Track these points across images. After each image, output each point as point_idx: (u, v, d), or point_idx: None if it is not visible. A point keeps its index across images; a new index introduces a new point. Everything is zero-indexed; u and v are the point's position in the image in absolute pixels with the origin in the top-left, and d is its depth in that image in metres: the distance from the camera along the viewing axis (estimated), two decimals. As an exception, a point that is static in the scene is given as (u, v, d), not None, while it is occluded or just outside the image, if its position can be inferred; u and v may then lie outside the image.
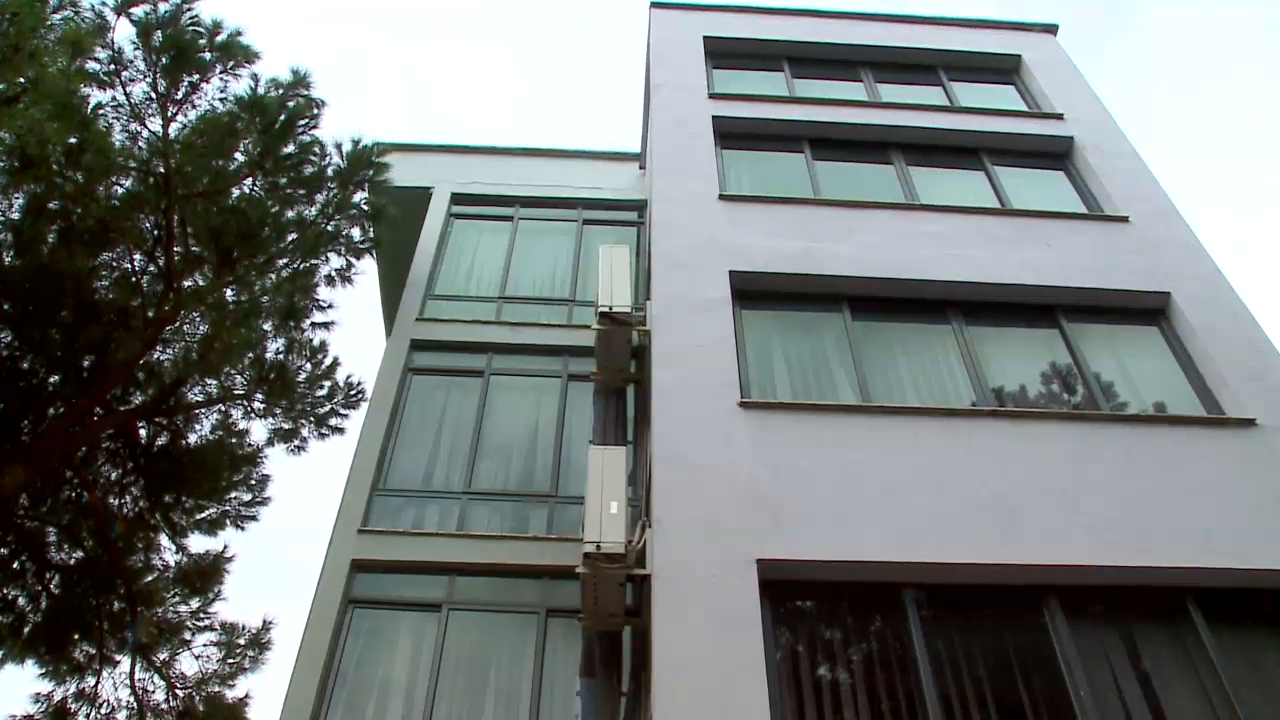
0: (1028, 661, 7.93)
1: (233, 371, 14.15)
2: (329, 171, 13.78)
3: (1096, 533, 8.43)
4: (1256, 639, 8.18)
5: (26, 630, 14.01)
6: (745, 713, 7.11)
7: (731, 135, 13.63)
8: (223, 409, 14.58)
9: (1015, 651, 8.02)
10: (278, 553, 45.75)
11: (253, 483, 14.91)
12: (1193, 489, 8.87)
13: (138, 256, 13.41)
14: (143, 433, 14.39)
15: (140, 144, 12.57)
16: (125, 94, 12.43)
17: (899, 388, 10.09)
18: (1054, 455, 9.12)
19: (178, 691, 14.28)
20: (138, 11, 12.32)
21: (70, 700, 14.31)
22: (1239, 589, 8.32)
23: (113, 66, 12.29)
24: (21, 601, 14.09)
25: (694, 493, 8.55)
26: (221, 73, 12.85)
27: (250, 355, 13.90)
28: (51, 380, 13.52)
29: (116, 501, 14.48)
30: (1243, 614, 8.26)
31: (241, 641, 14.39)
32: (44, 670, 14.20)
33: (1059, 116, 14.27)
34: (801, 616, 8.25)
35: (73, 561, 14.31)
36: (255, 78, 13.03)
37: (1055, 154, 13.82)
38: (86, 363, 13.35)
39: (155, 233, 13.03)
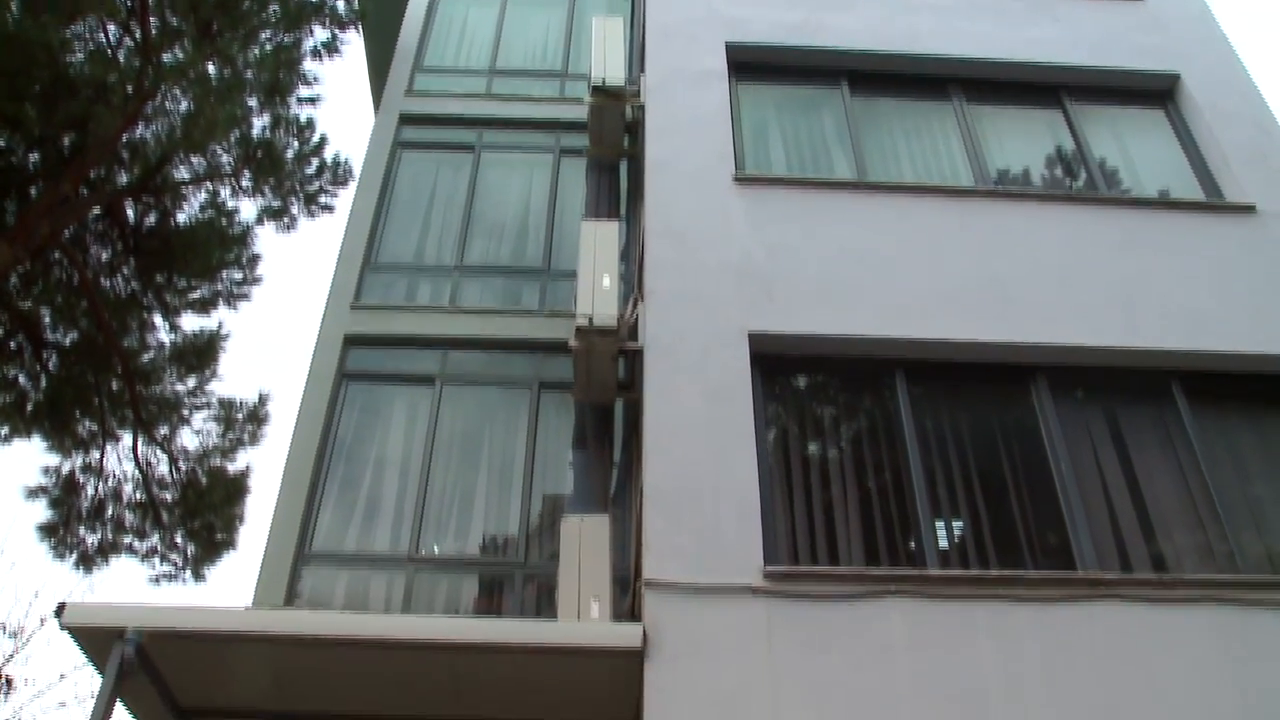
0: (1012, 439, 8.09)
1: (219, 149, 13.83)
2: (311, -62, 13.14)
3: (1088, 314, 8.46)
4: (1234, 421, 8.34)
5: (29, 408, 14.22)
6: (734, 480, 7.28)
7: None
8: (210, 188, 14.33)
9: (1000, 429, 8.18)
10: (272, 332, 46.04)
11: (244, 262, 14.83)
12: (1187, 274, 8.84)
13: (112, 28, 12.89)
14: (130, 213, 14.20)
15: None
16: None
17: (896, 166, 9.90)
18: (1050, 237, 9.04)
19: (180, 465, 14.65)
20: None
21: (78, 473, 14.70)
22: (1223, 373, 8.43)
23: None
24: (22, 381, 14.24)
25: (687, 266, 8.50)
26: None
27: (236, 132, 13.56)
28: (31, 159, 13.22)
29: (108, 282, 14.42)
30: (1224, 396, 8.39)
31: (239, 417, 14.66)
32: (50, 445, 14.52)
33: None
34: (792, 391, 8.37)
35: (68, 342, 14.39)
36: None
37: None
38: (66, 141, 13.01)
39: (129, 2, 12.48)
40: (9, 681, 10.28)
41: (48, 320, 14.24)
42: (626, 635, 6.55)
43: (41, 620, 16.86)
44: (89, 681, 17.04)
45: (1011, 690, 6.53)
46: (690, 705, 6.32)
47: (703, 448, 7.41)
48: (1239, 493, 7.86)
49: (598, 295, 8.56)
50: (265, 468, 39.08)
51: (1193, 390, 8.31)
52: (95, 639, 6.70)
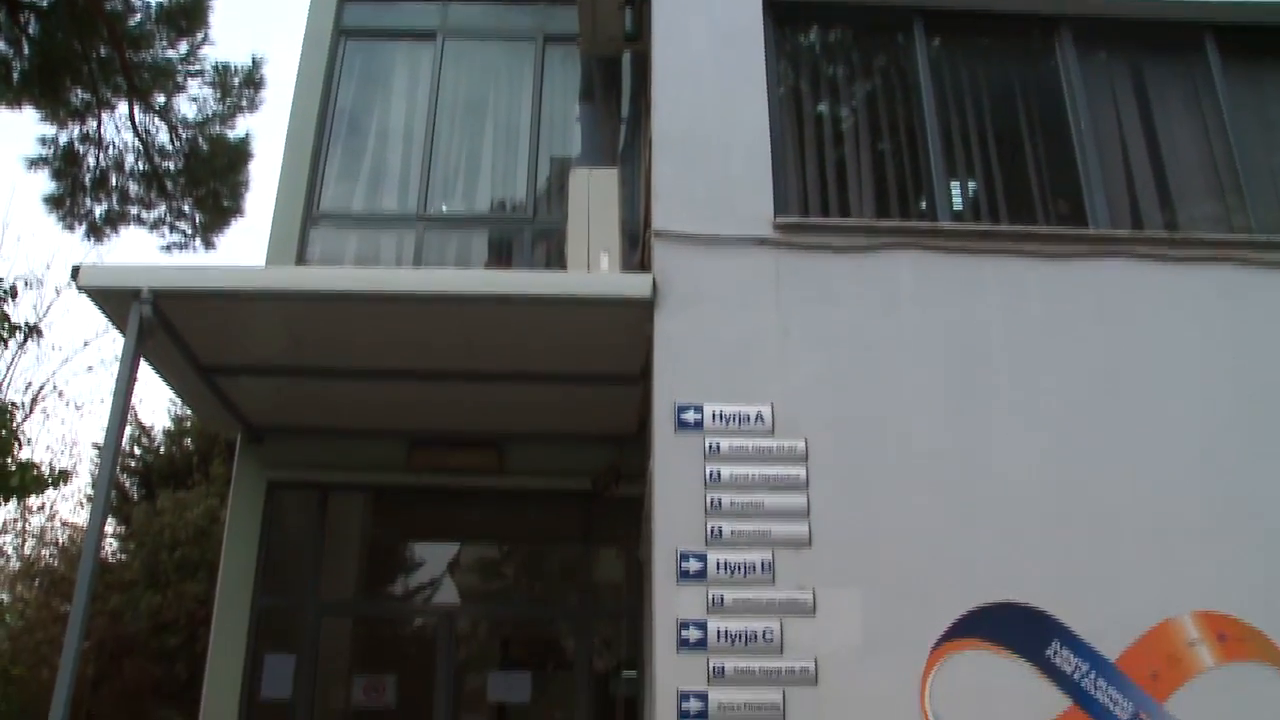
0: (1032, 94, 7.77)
1: None
2: None
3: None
4: (1268, 82, 7.93)
5: (15, 76, 13.76)
6: (744, 129, 7.07)
7: None
8: None
9: (1020, 84, 7.84)
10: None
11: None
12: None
13: None
14: None
15: None
16: None
17: None
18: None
19: (180, 133, 14.35)
20: None
21: (77, 143, 14.44)
22: (1265, 25, 7.93)
23: None
24: (2, 47, 13.71)
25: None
26: None
27: None
28: None
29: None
30: (1261, 53, 7.93)
31: (235, 82, 14.15)
32: (44, 115, 14.17)
33: None
34: (805, 41, 7.96)
35: (45, 3, 13.70)
36: None
37: None
38: None
39: None
40: (38, 330, 10.55)
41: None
42: (636, 285, 6.57)
43: (57, 290, 17.18)
44: (113, 346, 17.56)
45: (1014, 344, 6.62)
46: (698, 354, 6.44)
47: (713, 95, 7.14)
48: (1264, 158, 7.62)
49: (602, -64, 8.01)
50: (268, 134, 38.49)
51: (1227, 46, 7.87)
52: (113, 300, 6.77)
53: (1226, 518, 6.26)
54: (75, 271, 6.67)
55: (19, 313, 12.46)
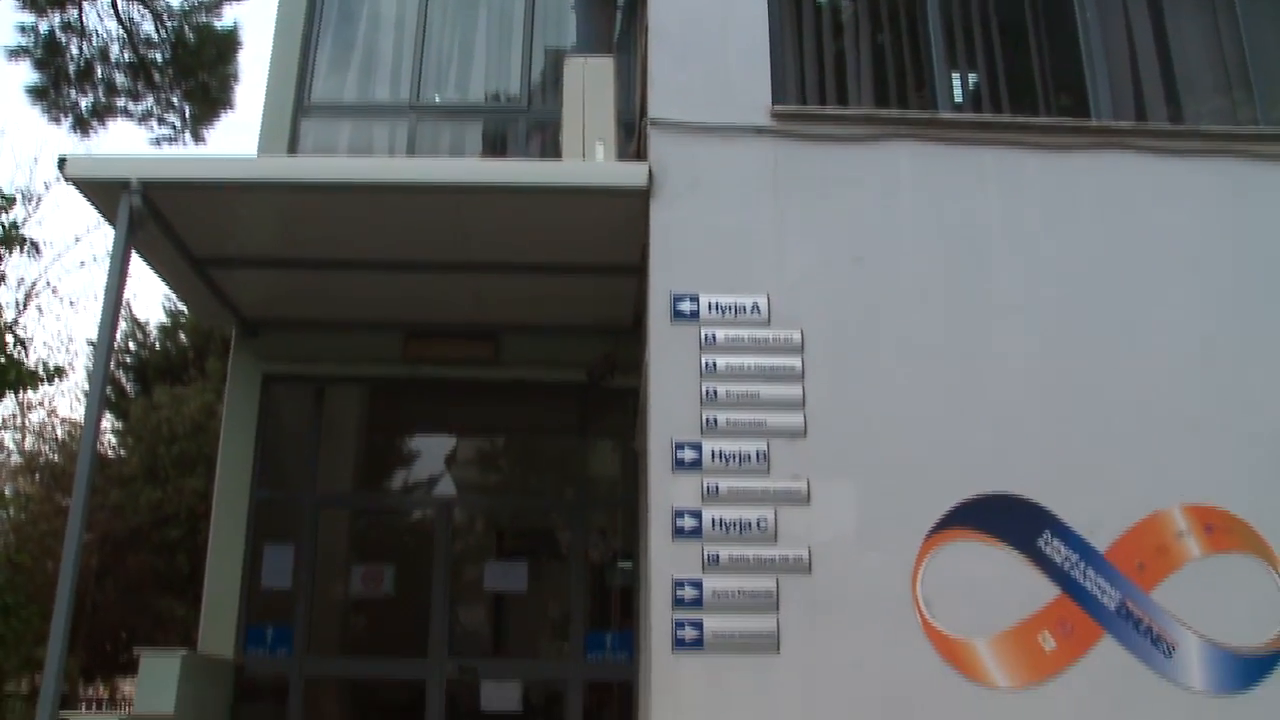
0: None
1: None
2: None
3: None
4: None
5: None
6: (742, 16, 6.91)
7: None
8: None
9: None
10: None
11: None
12: None
13: None
14: None
15: None
16: None
17: None
18: None
19: (165, 22, 14.05)
20: None
21: (58, 32, 14.13)
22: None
23: None
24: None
25: None
26: None
27: None
28: None
29: None
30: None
31: (220, -33, 13.87)
32: (20, 2, 13.83)
33: None
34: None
35: None
36: None
37: None
38: None
39: None
40: (35, 245, 10.46)
41: None
42: (632, 174, 6.48)
43: (46, 185, 16.97)
44: (106, 241, 17.41)
45: (1013, 235, 6.56)
46: (695, 244, 6.38)
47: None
48: (1274, 50, 7.41)
49: None
50: (256, 23, 37.53)
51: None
52: (102, 192, 6.69)
53: (1220, 411, 6.28)
54: (62, 162, 6.59)
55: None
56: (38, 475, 15.44)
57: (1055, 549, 5.94)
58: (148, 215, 6.64)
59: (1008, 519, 5.97)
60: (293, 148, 9.01)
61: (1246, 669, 5.81)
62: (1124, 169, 6.75)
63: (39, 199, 15.43)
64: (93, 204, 6.88)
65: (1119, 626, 5.84)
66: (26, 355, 9.50)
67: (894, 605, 5.80)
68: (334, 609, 9.30)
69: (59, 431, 16.24)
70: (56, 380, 9.86)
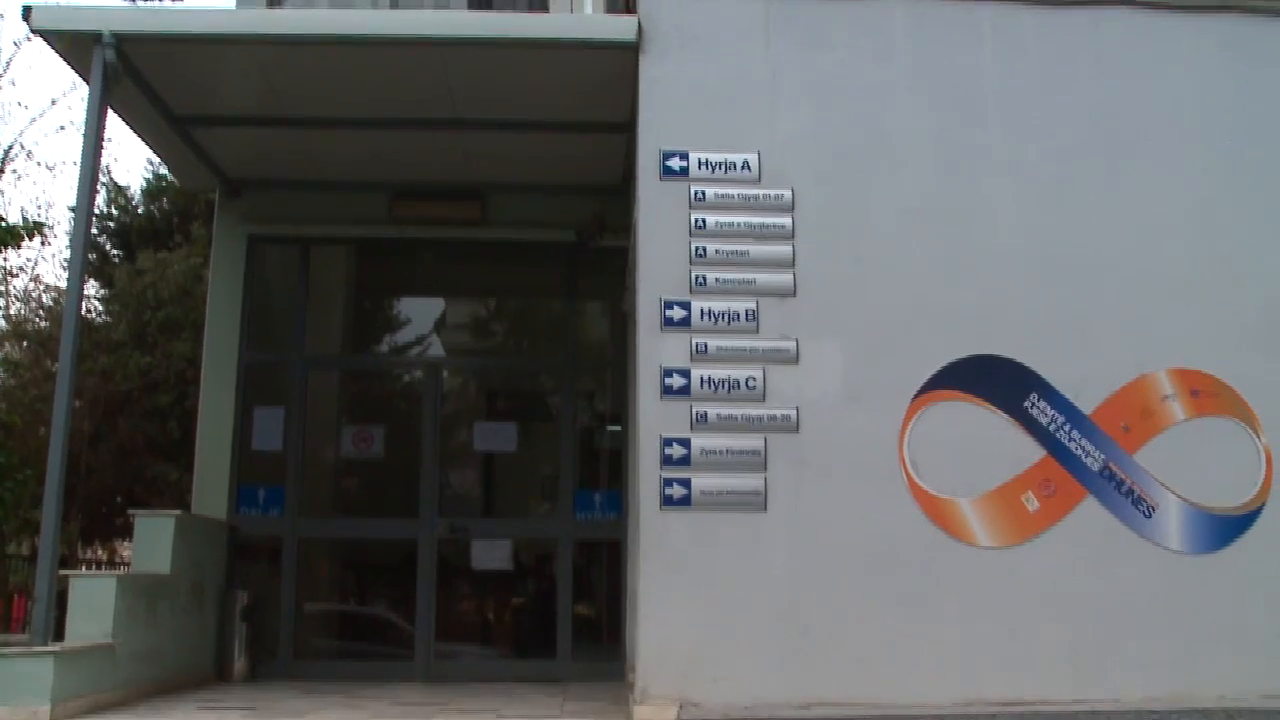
0: None
1: None
2: None
3: None
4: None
5: None
6: None
7: None
8: None
9: None
10: None
11: None
12: None
13: None
14: None
15: None
16: None
17: None
18: None
19: None
20: None
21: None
22: None
23: None
24: None
25: None
26: None
27: None
28: None
29: None
30: None
31: None
32: None
33: None
34: None
35: None
36: None
37: None
38: None
39: None
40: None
41: None
42: (620, 27, 6.29)
43: (16, 43, 16.43)
44: (83, 103, 17.00)
45: (1008, 95, 6.42)
46: (685, 100, 6.25)
47: None
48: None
49: None
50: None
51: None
52: (74, 46, 6.52)
53: (1211, 275, 6.26)
54: (27, 12, 6.38)
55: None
56: (25, 342, 15.37)
57: (1041, 410, 5.97)
58: (122, 71, 6.47)
59: (995, 380, 5.99)
60: (273, 1, 8.74)
61: (1223, 529, 5.92)
62: (1123, 27, 6.57)
63: (8, 61, 15.00)
64: (64, 59, 6.69)
65: (1101, 488, 5.92)
66: (4, 218, 9.36)
67: (881, 464, 5.85)
68: (325, 470, 9.39)
69: (45, 298, 16.14)
70: (37, 237, 9.74)
